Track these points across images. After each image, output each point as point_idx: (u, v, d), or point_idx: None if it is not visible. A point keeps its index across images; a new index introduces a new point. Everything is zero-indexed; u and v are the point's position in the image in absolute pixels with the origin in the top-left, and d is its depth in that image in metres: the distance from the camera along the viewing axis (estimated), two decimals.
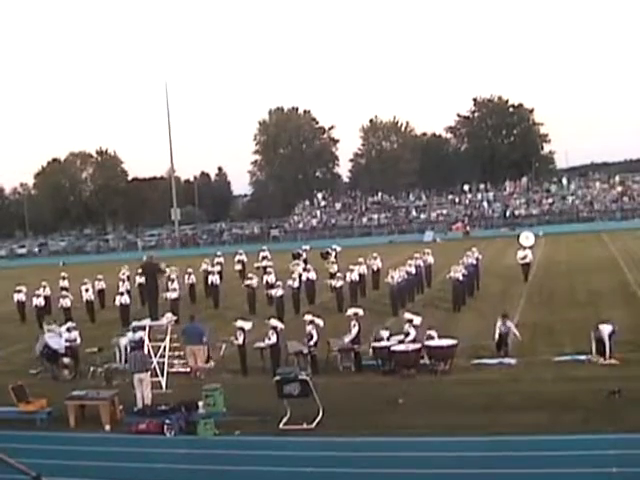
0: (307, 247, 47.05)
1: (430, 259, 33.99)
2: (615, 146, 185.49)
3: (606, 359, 18.10)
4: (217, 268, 36.99)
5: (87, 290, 32.98)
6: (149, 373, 17.86)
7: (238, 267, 42.75)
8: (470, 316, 25.88)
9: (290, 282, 29.96)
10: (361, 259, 32.81)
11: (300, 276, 31.45)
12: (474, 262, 31.75)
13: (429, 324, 20.31)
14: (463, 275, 27.95)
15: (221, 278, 36.24)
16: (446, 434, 14.12)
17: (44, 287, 34.06)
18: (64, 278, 37.99)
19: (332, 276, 32.95)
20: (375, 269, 33.98)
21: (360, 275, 31.45)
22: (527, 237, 37.25)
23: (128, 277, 35.81)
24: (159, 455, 14.51)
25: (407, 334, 19.54)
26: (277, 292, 27.68)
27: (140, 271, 31.93)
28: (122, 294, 30.39)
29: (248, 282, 30.96)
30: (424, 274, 32.69)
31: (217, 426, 15.37)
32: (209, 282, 34.34)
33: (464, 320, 25.12)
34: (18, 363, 23.77)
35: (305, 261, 39.15)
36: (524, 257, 33.09)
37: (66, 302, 30.93)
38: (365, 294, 31.41)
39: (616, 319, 19.83)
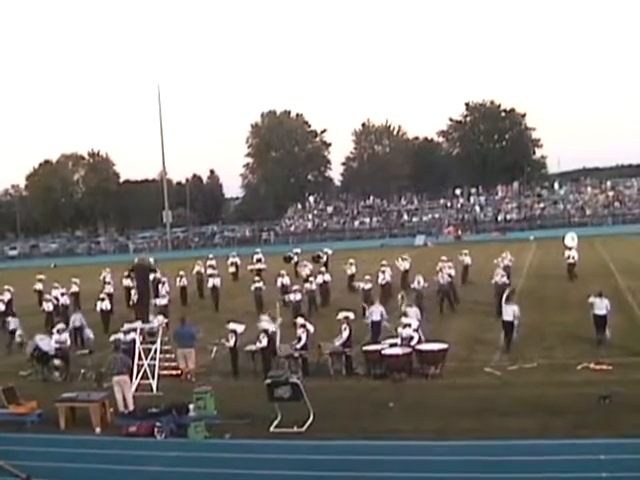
0: (298, 250, 46.97)
1: (467, 259, 34.67)
2: (607, 151, 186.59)
3: None
4: (211, 270, 36.81)
5: (63, 294, 32.68)
6: (128, 376, 17.77)
7: (232, 269, 42.81)
8: (460, 320, 25.98)
9: (307, 285, 29.81)
10: (385, 261, 32.51)
11: (315, 278, 31.36)
12: (509, 264, 32.79)
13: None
14: (507, 278, 28.40)
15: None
16: (437, 438, 14.13)
17: (8, 290, 33.65)
18: (40, 281, 37.73)
19: (351, 279, 33.42)
20: (403, 270, 33.77)
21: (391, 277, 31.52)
22: (572, 238, 38.31)
23: (109, 280, 35.48)
24: (149, 458, 14.46)
25: (410, 338, 19.41)
26: (296, 296, 27.43)
27: (130, 272, 31.55)
28: (103, 299, 29.52)
29: (256, 285, 30.95)
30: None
31: (208, 429, 15.36)
32: (210, 285, 33.92)
33: (455, 323, 25.22)
34: (8, 365, 23.68)
35: (297, 263, 39.14)
36: (569, 257, 34.49)
37: (48, 306, 30.41)
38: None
39: (608, 324, 19.94)
